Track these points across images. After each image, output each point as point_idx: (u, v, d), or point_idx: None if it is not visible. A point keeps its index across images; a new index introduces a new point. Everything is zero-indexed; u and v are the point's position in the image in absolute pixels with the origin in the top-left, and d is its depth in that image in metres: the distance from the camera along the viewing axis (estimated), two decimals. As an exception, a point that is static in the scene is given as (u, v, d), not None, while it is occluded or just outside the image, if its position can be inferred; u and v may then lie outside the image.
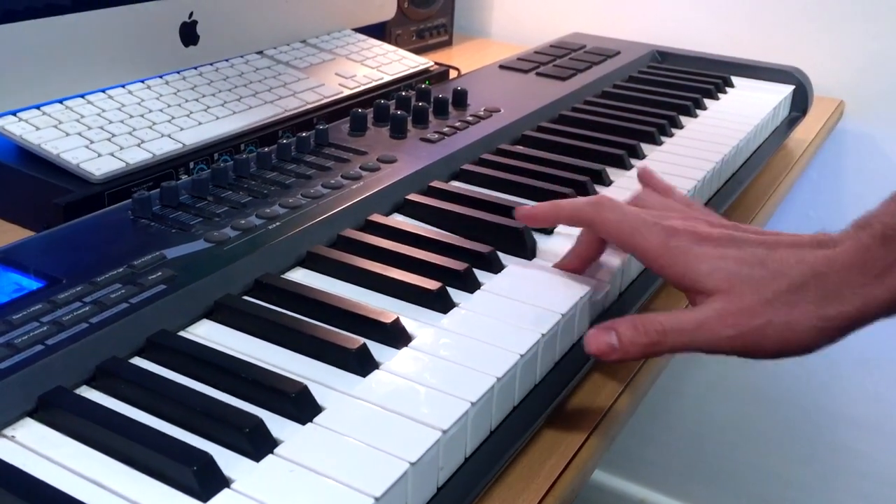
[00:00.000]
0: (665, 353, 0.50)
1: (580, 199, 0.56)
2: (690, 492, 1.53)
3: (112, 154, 0.72)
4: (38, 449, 0.40)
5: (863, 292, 0.46)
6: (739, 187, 0.81)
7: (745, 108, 0.92)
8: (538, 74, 0.94)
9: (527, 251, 0.60)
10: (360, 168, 0.67)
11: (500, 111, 0.81)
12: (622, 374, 0.57)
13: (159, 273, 0.50)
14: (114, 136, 0.75)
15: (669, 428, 1.51)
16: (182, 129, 0.78)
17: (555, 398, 0.51)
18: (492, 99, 0.84)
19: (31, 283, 0.49)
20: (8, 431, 0.41)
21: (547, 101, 0.85)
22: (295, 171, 0.66)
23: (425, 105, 0.78)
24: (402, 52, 1.06)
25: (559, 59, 1.00)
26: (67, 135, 0.74)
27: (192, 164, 0.76)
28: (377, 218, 0.62)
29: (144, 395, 0.43)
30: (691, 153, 0.79)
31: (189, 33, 0.89)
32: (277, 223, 0.58)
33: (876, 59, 1.15)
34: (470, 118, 0.79)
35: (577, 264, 0.57)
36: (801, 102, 1.00)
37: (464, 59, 1.24)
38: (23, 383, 0.42)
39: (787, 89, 0.99)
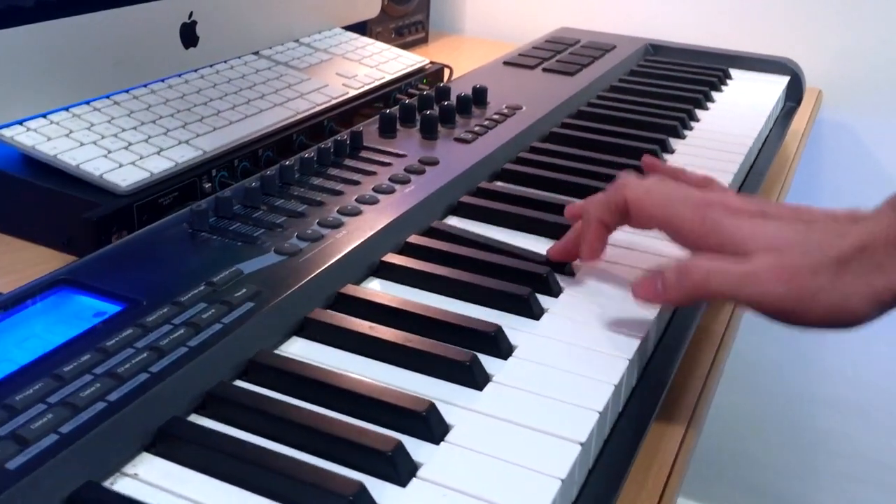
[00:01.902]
0: (708, 297, 0.49)
1: (598, 194, 0.55)
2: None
3: (133, 164, 0.68)
4: (166, 486, 0.37)
5: None
6: (762, 178, 0.81)
7: (751, 100, 0.93)
8: (545, 70, 0.94)
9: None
10: (406, 171, 0.65)
11: (522, 108, 0.80)
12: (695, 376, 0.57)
13: (244, 290, 0.47)
14: (130, 144, 0.71)
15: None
16: (198, 136, 0.74)
17: (657, 399, 0.50)
18: (510, 96, 0.83)
19: (110, 307, 0.46)
20: (129, 469, 0.38)
21: (564, 97, 0.84)
22: (340, 176, 0.64)
23: (451, 104, 0.76)
24: (396, 49, 1.04)
25: (559, 54, 1.00)
26: (82, 144, 0.70)
27: (214, 172, 0.72)
28: (438, 224, 0.60)
29: (264, 421, 0.40)
30: (717, 146, 0.79)
31: (189, 34, 0.86)
32: (343, 232, 0.55)
33: (852, 49, 1.18)
34: (496, 116, 0.77)
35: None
36: (795, 93, 1.02)
37: (442, 56, 1.22)
38: (137, 416, 0.39)
39: (783, 80, 1.00)
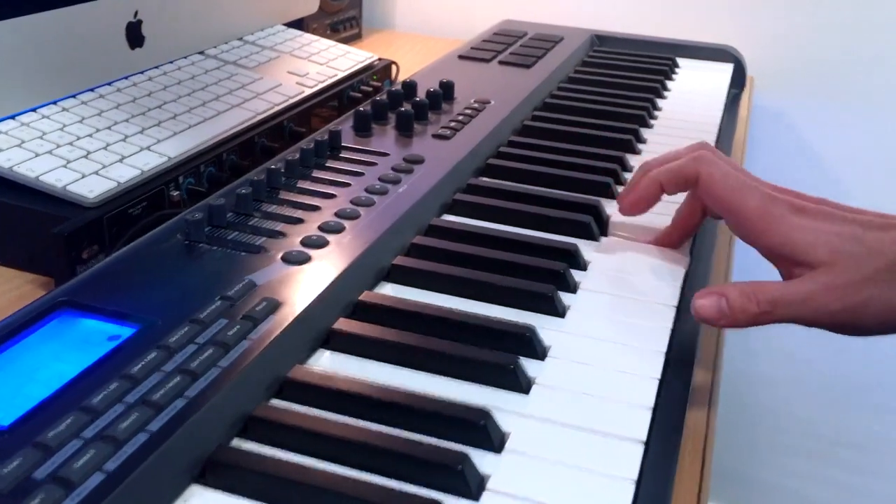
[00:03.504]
0: (771, 322, 0.49)
1: (675, 162, 0.55)
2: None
3: (97, 173, 0.64)
4: (226, 521, 0.34)
5: None
6: (727, 165, 0.82)
7: (702, 87, 0.94)
8: (501, 63, 0.92)
9: (596, 236, 0.59)
10: (394, 170, 0.63)
11: (491, 102, 0.79)
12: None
13: (263, 303, 0.45)
14: (89, 152, 0.66)
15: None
16: (159, 141, 0.70)
17: (687, 390, 0.49)
18: (475, 90, 0.81)
19: (124, 329, 0.42)
20: (181, 505, 0.35)
21: (529, 89, 0.83)
22: (328, 178, 0.61)
23: (423, 100, 0.74)
24: (342, 46, 1.01)
25: (511, 46, 0.99)
26: (37, 155, 0.65)
27: (181, 179, 0.68)
28: (438, 222, 0.58)
29: (319, 442, 0.38)
30: (684, 133, 0.80)
31: (135, 34, 0.81)
32: (347, 236, 0.53)
33: (782, 35, 1.21)
34: (468, 111, 0.76)
35: (677, 237, 0.56)
36: (738, 80, 1.03)
37: (377, 52, 1.18)
38: (182, 446, 0.35)
39: (728, 67, 1.02)
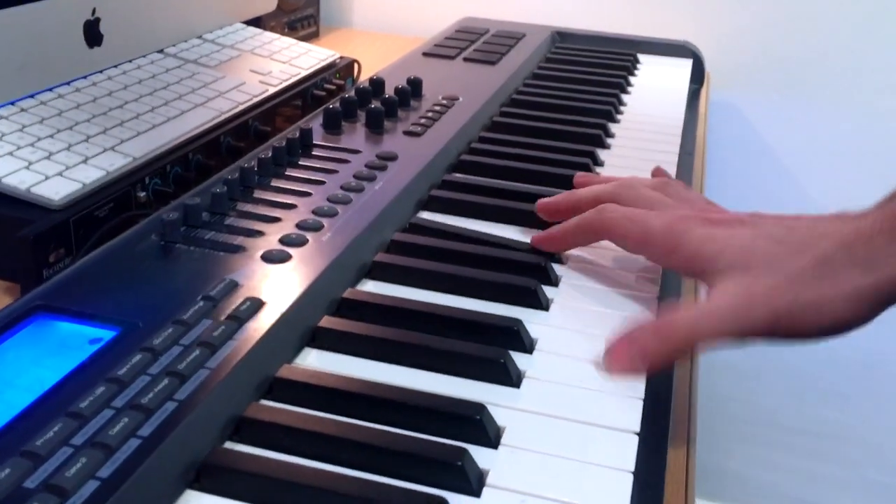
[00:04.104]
0: (699, 349, 0.47)
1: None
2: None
3: (61, 175, 0.62)
4: (224, 525, 0.33)
5: None
6: (692, 159, 0.83)
7: (664, 83, 0.95)
8: (466, 60, 0.92)
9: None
10: (368, 167, 0.62)
11: (459, 99, 0.78)
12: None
13: (246, 302, 0.44)
14: (52, 153, 0.65)
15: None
16: (123, 141, 0.69)
17: (670, 382, 0.49)
18: (442, 87, 0.81)
19: (104, 332, 0.41)
20: (177, 511, 0.34)
21: (496, 85, 0.83)
22: (302, 176, 0.60)
23: (392, 97, 0.74)
24: (304, 44, 1.00)
25: (474, 43, 0.99)
26: (-3, 156, 0.63)
27: (147, 180, 0.67)
28: (417, 219, 0.58)
29: (315, 442, 0.37)
30: (651, 129, 0.80)
31: (93, 33, 0.79)
32: (327, 234, 0.52)
33: (736, 30, 1.23)
34: (437, 108, 0.75)
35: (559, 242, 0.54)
36: (697, 75, 1.05)
37: (335, 49, 1.18)
38: (175, 451, 0.35)
39: (687, 63, 1.03)
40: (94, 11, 0.78)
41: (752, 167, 1.31)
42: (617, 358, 0.44)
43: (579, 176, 0.62)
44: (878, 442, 1.42)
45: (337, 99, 0.74)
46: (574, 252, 0.56)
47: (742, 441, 1.47)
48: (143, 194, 0.66)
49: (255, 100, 0.82)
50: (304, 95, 0.90)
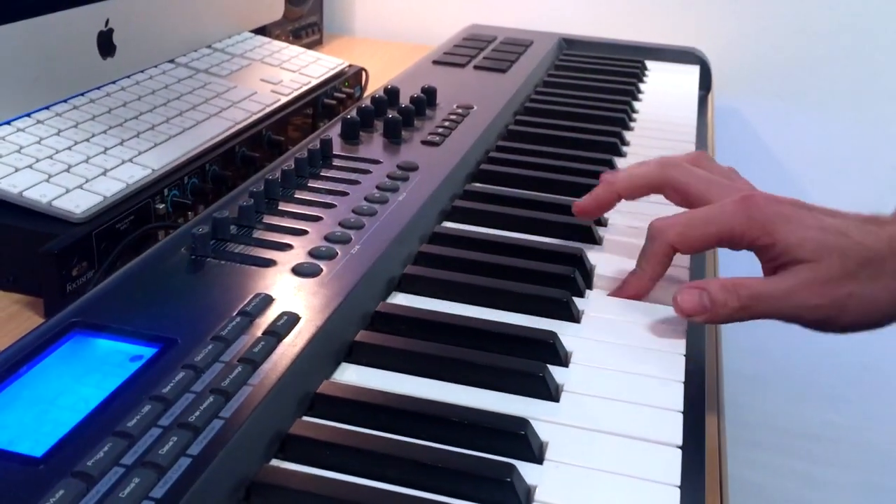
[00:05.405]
0: (751, 318, 0.49)
1: (638, 167, 0.55)
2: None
3: (81, 188, 0.62)
4: (276, 544, 0.33)
5: None
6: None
7: (674, 89, 0.95)
8: (476, 68, 0.92)
9: (598, 240, 0.59)
10: (390, 178, 0.62)
11: (473, 108, 0.78)
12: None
13: (283, 317, 0.43)
14: (71, 166, 0.64)
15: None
16: (140, 153, 0.68)
17: (703, 391, 0.49)
18: (455, 95, 0.81)
19: (145, 349, 0.41)
20: (229, 530, 0.34)
21: (508, 93, 0.83)
22: (324, 187, 0.60)
23: (408, 106, 0.74)
24: (312, 53, 1.00)
25: (482, 51, 0.99)
26: (17, 169, 0.62)
27: (166, 192, 0.66)
28: (442, 230, 0.58)
29: (362, 459, 0.37)
30: (664, 135, 0.80)
31: (106, 43, 0.79)
32: (356, 246, 0.52)
33: (739, 36, 1.24)
34: (453, 117, 0.75)
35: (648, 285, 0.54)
36: (705, 81, 1.05)
37: (339, 57, 1.18)
38: (225, 470, 0.34)
39: (694, 69, 1.04)
40: (107, 22, 0.78)
41: (756, 172, 1.31)
42: (688, 298, 0.48)
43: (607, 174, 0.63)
44: (877, 445, 1.43)
45: (353, 108, 0.74)
46: (598, 259, 0.56)
47: (741, 444, 1.47)
48: (161, 206, 0.66)
49: (268, 109, 0.82)
50: (314, 104, 0.90)
